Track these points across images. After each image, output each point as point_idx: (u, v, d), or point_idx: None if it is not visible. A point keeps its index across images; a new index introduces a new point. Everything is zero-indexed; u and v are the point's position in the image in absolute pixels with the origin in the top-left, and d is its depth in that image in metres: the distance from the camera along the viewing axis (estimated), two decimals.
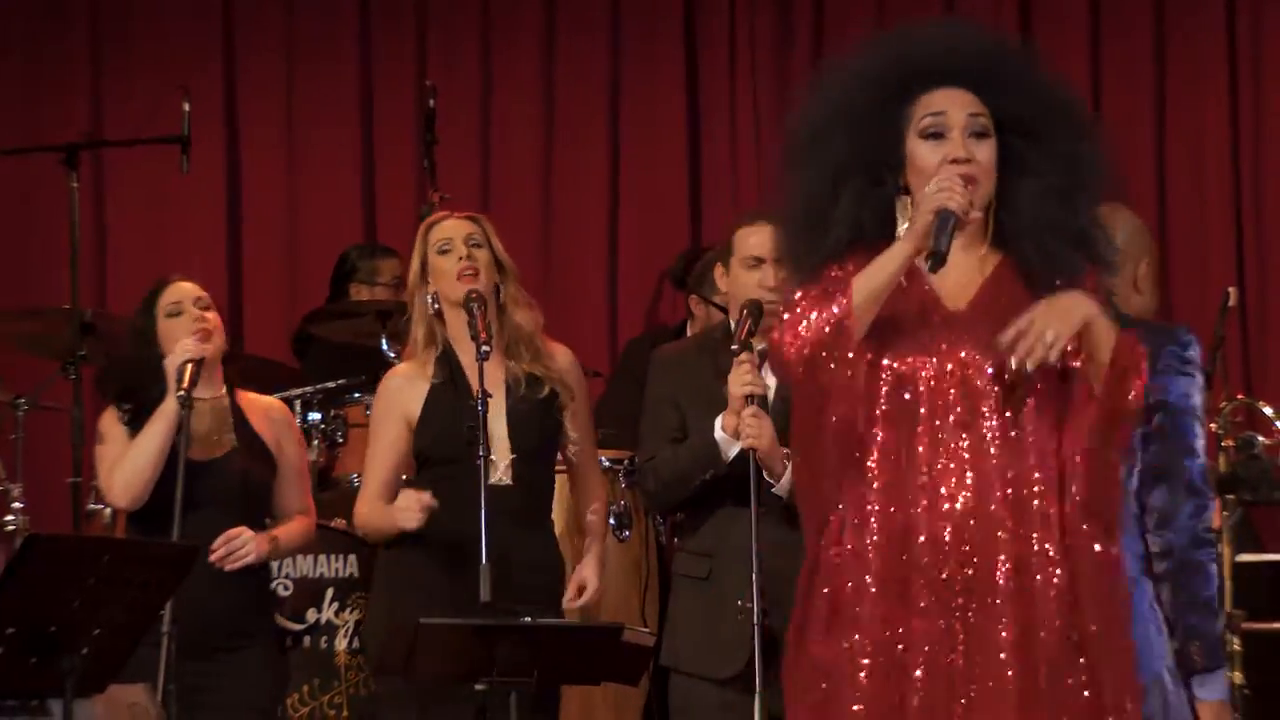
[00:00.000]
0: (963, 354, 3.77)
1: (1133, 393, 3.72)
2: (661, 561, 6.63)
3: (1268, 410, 4.41)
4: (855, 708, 3.72)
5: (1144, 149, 8.05)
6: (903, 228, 3.83)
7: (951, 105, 3.82)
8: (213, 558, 5.35)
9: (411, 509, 5.22)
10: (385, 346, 6.84)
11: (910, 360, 3.78)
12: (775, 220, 5.40)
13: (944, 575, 3.71)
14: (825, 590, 3.84)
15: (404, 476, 5.56)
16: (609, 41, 8.40)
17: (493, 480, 5.24)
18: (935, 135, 3.82)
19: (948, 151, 3.80)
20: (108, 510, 6.45)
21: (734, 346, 5.21)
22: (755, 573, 5.07)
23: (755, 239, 5.42)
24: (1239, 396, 5.87)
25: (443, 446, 5.35)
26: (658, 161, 8.36)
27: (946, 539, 3.72)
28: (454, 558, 5.25)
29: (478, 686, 4.96)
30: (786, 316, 3.84)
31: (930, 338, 3.79)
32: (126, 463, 5.39)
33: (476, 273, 5.36)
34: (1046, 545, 3.72)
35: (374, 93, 8.44)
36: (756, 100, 8.31)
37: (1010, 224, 3.84)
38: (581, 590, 5.44)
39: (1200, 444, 4.31)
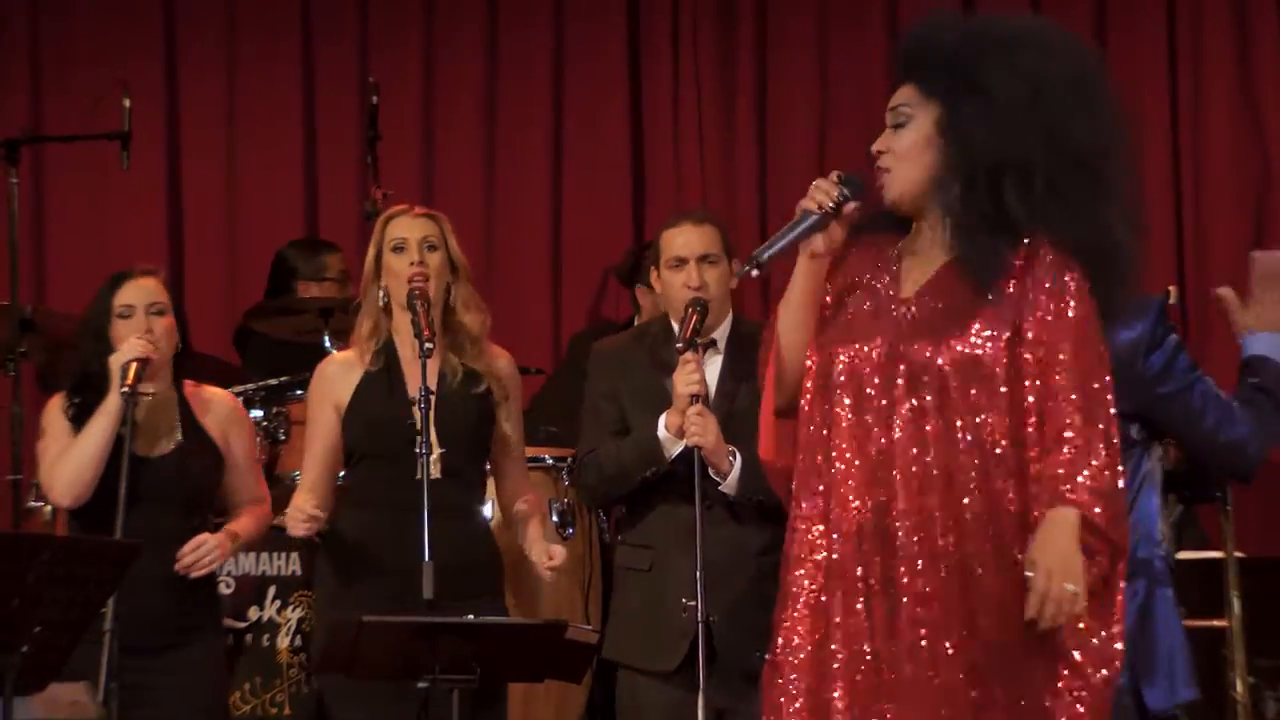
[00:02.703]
0: (895, 343, 3.79)
1: None
2: (605, 559, 6.63)
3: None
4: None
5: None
6: None
7: (893, 101, 3.87)
8: (178, 566, 5.32)
9: (296, 519, 5.22)
10: (328, 343, 6.83)
11: (844, 349, 3.82)
12: (695, 218, 5.53)
13: (859, 570, 3.73)
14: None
15: (341, 473, 5.57)
16: (552, 38, 8.40)
17: (419, 475, 5.25)
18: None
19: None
20: (48, 507, 6.42)
21: (678, 345, 5.23)
22: (699, 570, 5.09)
23: (679, 240, 5.48)
24: None
25: (368, 440, 5.36)
26: (601, 158, 8.37)
27: (863, 533, 3.74)
28: (392, 554, 5.24)
29: (420, 684, 4.95)
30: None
31: (870, 329, 3.82)
32: (68, 461, 5.35)
33: (427, 278, 5.35)
34: (972, 536, 3.73)
35: (316, 89, 8.42)
36: (700, 96, 8.33)
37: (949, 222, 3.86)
38: (551, 558, 5.33)
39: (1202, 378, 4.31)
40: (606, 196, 8.34)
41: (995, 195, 3.75)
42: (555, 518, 6.48)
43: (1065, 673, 3.70)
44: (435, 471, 5.27)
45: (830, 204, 3.80)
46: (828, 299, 3.91)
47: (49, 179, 8.29)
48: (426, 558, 5.06)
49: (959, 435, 3.74)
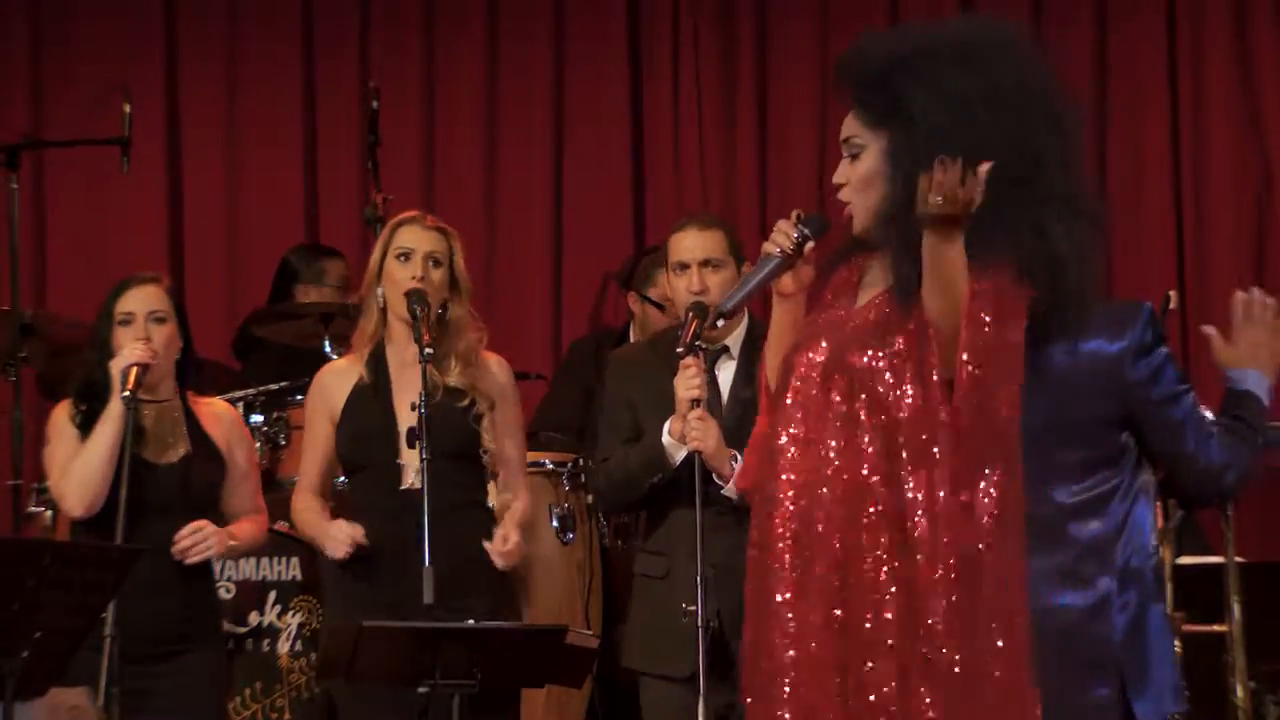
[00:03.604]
0: (835, 350, 3.77)
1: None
2: (605, 564, 6.63)
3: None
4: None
5: (1085, 154, 8.07)
6: None
7: (843, 132, 3.83)
8: (175, 549, 5.34)
9: (341, 541, 5.26)
10: (328, 348, 6.83)
11: (795, 357, 3.83)
12: (701, 222, 5.51)
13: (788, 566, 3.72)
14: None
15: (340, 478, 5.57)
16: (552, 43, 8.40)
17: (405, 485, 5.26)
18: None
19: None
20: (48, 512, 6.42)
21: (679, 349, 5.23)
22: (699, 575, 5.09)
23: (683, 244, 5.49)
24: None
25: (355, 450, 5.38)
26: (602, 163, 8.36)
27: (784, 532, 3.77)
28: (386, 560, 5.25)
29: (420, 689, 4.95)
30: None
31: (818, 337, 3.81)
32: (77, 470, 5.35)
33: (426, 293, 5.34)
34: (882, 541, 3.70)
35: (317, 94, 8.41)
36: (701, 102, 8.32)
37: None
38: (505, 542, 5.32)
39: (1189, 395, 4.26)
40: (607, 200, 8.33)
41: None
42: (555, 523, 6.48)
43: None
44: (419, 483, 5.22)
45: (790, 245, 3.79)
46: None
47: (49, 183, 8.29)
48: (426, 563, 5.07)
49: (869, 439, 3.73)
